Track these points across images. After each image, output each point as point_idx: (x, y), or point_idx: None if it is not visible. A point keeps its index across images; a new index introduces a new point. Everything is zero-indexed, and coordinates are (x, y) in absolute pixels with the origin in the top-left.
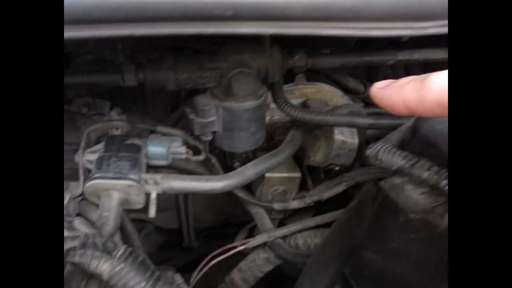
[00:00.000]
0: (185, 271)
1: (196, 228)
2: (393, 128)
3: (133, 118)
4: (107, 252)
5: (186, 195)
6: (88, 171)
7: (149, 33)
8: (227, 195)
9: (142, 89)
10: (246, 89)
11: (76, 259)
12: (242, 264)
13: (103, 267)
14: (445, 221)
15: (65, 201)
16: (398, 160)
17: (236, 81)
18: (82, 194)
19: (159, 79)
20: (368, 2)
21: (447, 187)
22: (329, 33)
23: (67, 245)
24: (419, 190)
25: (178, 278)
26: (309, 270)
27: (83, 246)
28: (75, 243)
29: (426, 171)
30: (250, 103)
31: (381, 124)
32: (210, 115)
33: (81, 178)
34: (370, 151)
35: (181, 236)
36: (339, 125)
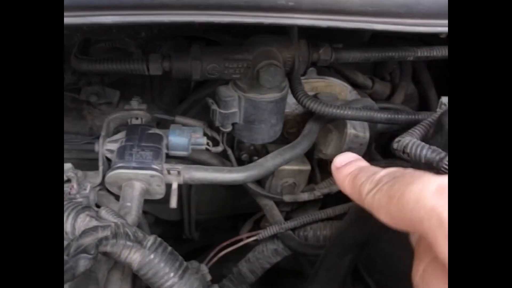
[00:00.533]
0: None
1: (196, 221)
2: (410, 123)
3: None
4: (138, 242)
5: (190, 187)
6: (108, 161)
7: (203, 20)
8: (231, 188)
9: (151, 79)
10: (274, 81)
11: (109, 248)
12: (250, 255)
13: (134, 256)
14: None
15: (86, 191)
16: (427, 153)
17: (265, 73)
18: (101, 184)
19: (185, 69)
20: None
21: None
22: (381, 28)
23: (99, 234)
24: None
25: (204, 268)
26: (325, 260)
27: (115, 235)
28: (106, 232)
29: None
30: (273, 95)
31: (399, 119)
32: (233, 106)
33: (101, 168)
34: (398, 145)
35: (179, 228)
36: (358, 119)
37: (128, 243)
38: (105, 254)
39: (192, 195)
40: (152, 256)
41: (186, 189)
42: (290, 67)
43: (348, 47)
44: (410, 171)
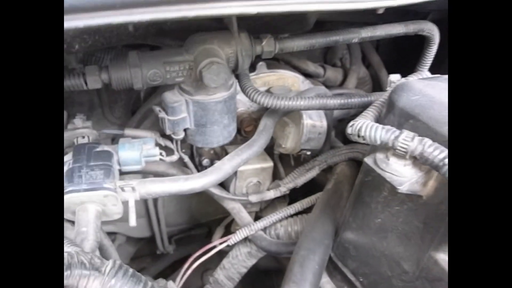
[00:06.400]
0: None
1: (168, 233)
2: (365, 105)
3: (93, 125)
4: (95, 269)
5: (156, 200)
6: None
7: (129, 20)
8: (198, 195)
9: (99, 95)
10: (218, 79)
11: (64, 281)
12: (225, 262)
13: (93, 285)
14: (429, 189)
15: None
16: (381, 134)
17: (208, 72)
18: None
19: (125, 78)
20: None
21: (431, 156)
22: (315, 8)
23: None
24: (403, 162)
25: (172, 285)
26: (297, 257)
27: (69, 266)
28: None
29: (410, 141)
30: (221, 95)
31: (352, 103)
32: (181, 111)
33: None
34: (351, 129)
35: (154, 244)
36: (312, 108)
37: (85, 272)
38: None
39: (158, 208)
40: (112, 281)
41: (152, 203)
42: (234, 63)
43: (291, 36)
44: None
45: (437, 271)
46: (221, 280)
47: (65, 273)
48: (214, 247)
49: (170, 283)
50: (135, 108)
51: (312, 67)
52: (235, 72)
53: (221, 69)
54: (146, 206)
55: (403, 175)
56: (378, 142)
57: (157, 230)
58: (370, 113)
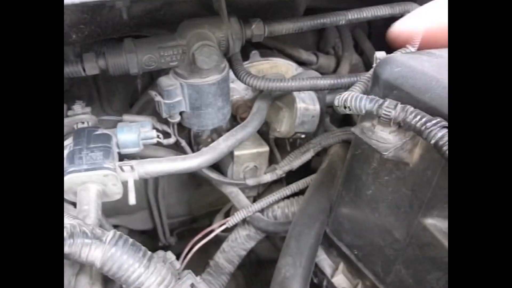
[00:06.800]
0: None
1: (169, 225)
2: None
3: None
4: (97, 238)
5: (157, 192)
6: None
7: None
8: (197, 186)
9: (97, 88)
10: (210, 61)
11: (67, 249)
12: (224, 245)
13: (95, 253)
14: (415, 156)
15: None
16: (366, 103)
17: (200, 54)
18: None
19: (121, 64)
20: None
21: (413, 121)
22: None
23: None
24: (388, 129)
25: (170, 255)
26: (293, 232)
27: (72, 235)
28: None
29: (393, 109)
30: (214, 77)
31: (341, 83)
32: (176, 95)
33: None
34: (337, 101)
35: (155, 239)
36: (303, 89)
37: (87, 240)
38: (66, 256)
39: (159, 199)
40: (113, 250)
41: (153, 194)
42: (226, 46)
43: (280, 20)
44: None
45: (426, 236)
46: (221, 263)
47: (68, 242)
48: (213, 230)
49: (169, 253)
50: (133, 101)
51: (305, 55)
52: (227, 55)
53: (213, 52)
54: (147, 197)
55: (389, 142)
56: (363, 111)
57: (158, 222)
58: (357, 87)
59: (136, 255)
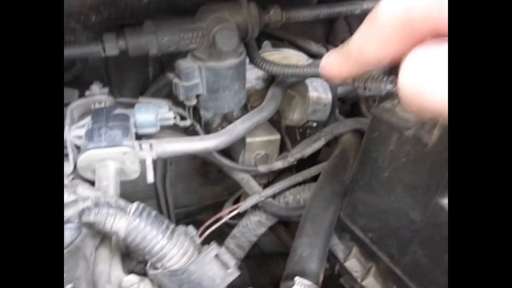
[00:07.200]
0: None
1: (176, 216)
2: None
3: None
4: (121, 209)
5: (164, 181)
6: (76, 148)
7: None
8: (204, 174)
9: (108, 75)
10: (230, 44)
11: (92, 217)
12: (235, 231)
13: (119, 223)
14: (433, 137)
15: None
16: (386, 84)
17: (221, 36)
18: (73, 172)
19: (141, 44)
20: None
21: None
22: None
23: (79, 206)
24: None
25: (191, 230)
26: (308, 214)
27: (97, 205)
28: (87, 203)
29: None
30: (232, 61)
31: None
32: (194, 77)
33: (71, 155)
34: (357, 83)
35: None
36: (318, 75)
37: (111, 210)
38: (89, 226)
39: (167, 188)
40: (137, 221)
41: (160, 183)
42: (244, 30)
43: (297, 7)
44: None
45: (443, 217)
46: (232, 248)
47: (93, 211)
48: (228, 214)
49: (190, 227)
50: (144, 89)
51: (315, 47)
52: (245, 40)
53: (233, 34)
54: (154, 186)
55: (409, 121)
56: (384, 92)
57: (165, 211)
58: (375, 72)
59: (160, 227)
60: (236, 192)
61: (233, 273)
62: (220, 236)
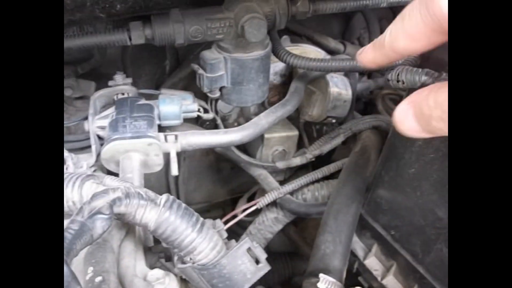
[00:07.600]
0: None
1: None
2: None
3: None
4: (151, 200)
5: (177, 177)
6: (100, 139)
7: None
8: (218, 171)
9: (124, 68)
10: (259, 34)
11: (123, 208)
12: (251, 227)
13: (150, 215)
14: None
15: (83, 168)
16: (421, 76)
17: (250, 26)
18: (95, 164)
19: (168, 33)
20: None
21: None
22: None
23: (110, 196)
24: None
25: (219, 223)
26: (331, 210)
27: (128, 195)
28: (118, 193)
29: None
30: (258, 53)
31: None
32: (219, 69)
33: (94, 146)
34: (390, 75)
35: None
36: (342, 70)
37: (142, 202)
38: (119, 217)
39: (179, 185)
40: (168, 213)
41: (173, 179)
42: (272, 21)
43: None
44: None
45: None
46: None
47: (124, 202)
48: (244, 211)
49: (218, 221)
50: (159, 83)
51: (333, 43)
52: (273, 30)
53: (262, 24)
54: (167, 182)
55: None
56: (418, 84)
57: None
58: (407, 63)
59: (190, 220)
60: (248, 190)
61: (264, 268)
62: (230, 234)
